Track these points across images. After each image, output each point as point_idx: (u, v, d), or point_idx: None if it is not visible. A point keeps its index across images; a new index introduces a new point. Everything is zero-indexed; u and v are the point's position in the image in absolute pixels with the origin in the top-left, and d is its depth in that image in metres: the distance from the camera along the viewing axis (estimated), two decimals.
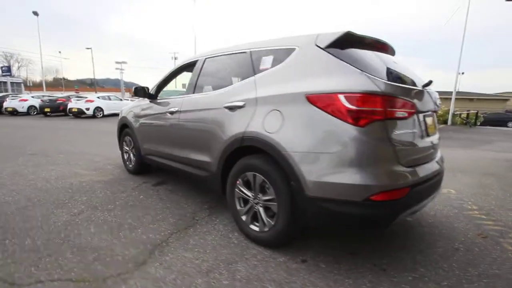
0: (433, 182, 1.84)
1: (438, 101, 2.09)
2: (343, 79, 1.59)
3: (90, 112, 14.10)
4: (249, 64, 2.17)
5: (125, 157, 4.01)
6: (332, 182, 1.57)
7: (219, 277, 1.68)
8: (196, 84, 2.68)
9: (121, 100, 17.43)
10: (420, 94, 1.79)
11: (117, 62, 40.37)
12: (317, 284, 1.62)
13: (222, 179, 2.27)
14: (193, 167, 2.61)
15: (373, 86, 1.52)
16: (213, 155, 2.30)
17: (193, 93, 2.68)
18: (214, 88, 2.51)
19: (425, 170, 1.76)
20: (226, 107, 2.19)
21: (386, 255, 1.94)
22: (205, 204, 2.85)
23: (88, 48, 40.01)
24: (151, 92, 3.30)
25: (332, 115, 1.56)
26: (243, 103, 2.05)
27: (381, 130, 1.53)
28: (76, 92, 28.05)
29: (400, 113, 1.59)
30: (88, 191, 3.14)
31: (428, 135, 1.90)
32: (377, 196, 1.50)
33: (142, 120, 3.39)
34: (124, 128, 3.93)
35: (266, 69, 2.03)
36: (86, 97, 14.66)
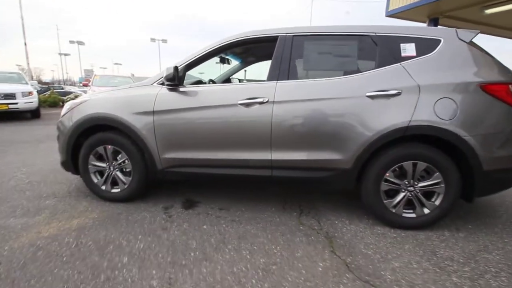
0: None
1: None
2: (501, 71, 1.93)
3: None
4: (383, 49, 2.03)
5: (96, 179, 2.50)
6: (503, 156, 1.91)
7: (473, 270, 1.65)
8: (289, 67, 2.13)
9: None
10: None
11: None
12: (492, 241, 1.95)
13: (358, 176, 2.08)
14: (302, 170, 2.14)
15: None
16: (348, 151, 2.02)
17: (288, 78, 2.12)
18: (328, 75, 2.12)
19: None
20: (370, 96, 1.97)
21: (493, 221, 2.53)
22: (291, 210, 2.42)
23: None
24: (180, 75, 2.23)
25: (503, 101, 1.87)
26: (398, 91, 1.94)
27: None
28: None
29: None
30: (116, 249, 1.81)
31: None
32: None
33: (166, 118, 2.24)
34: (92, 133, 2.41)
35: (412, 56, 2.00)
36: None
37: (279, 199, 2.64)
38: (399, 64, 2.01)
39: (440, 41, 2.01)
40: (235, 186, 2.95)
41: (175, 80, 2.15)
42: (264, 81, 2.18)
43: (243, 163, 2.22)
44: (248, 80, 3.96)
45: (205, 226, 2.12)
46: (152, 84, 2.35)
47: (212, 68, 3.38)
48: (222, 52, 2.37)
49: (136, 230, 2.04)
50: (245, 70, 3.62)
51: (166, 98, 2.27)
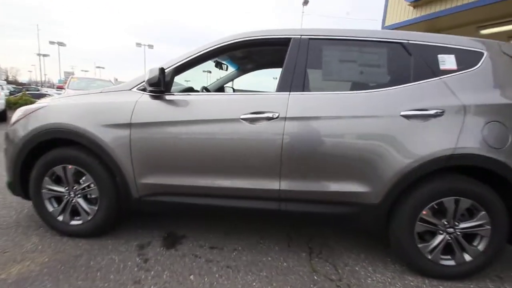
0: None
1: None
2: None
3: None
4: (419, 60, 1.68)
5: (51, 207, 1.95)
6: None
7: None
8: (305, 76, 1.73)
9: None
10: None
11: None
12: None
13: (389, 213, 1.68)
14: (318, 204, 1.71)
15: None
16: (377, 182, 1.62)
17: (303, 90, 1.72)
18: (351, 87, 1.74)
19: None
20: (405, 115, 1.60)
21: None
22: (299, 249, 1.97)
23: None
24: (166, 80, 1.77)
25: None
26: (440, 110, 1.58)
27: None
28: None
29: None
30: None
31: None
32: None
33: (146, 132, 1.76)
34: (49, 148, 1.88)
35: (453, 70, 1.66)
36: None
37: (282, 233, 2.19)
38: (438, 78, 1.66)
39: (482, 54, 1.69)
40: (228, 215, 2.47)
41: (160, 85, 1.68)
42: (271, 92, 1.77)
43: (244, 193, 1.77)
44: (236, 90, 3.49)
45: (192, 277, 1.62)
46: (130, 90, 1.87)
47: (200, 76, 2.97)
48: (219, 54, 1.96)
49: (97, 284, 1.51)
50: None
51: (148, 107, 1.79)
